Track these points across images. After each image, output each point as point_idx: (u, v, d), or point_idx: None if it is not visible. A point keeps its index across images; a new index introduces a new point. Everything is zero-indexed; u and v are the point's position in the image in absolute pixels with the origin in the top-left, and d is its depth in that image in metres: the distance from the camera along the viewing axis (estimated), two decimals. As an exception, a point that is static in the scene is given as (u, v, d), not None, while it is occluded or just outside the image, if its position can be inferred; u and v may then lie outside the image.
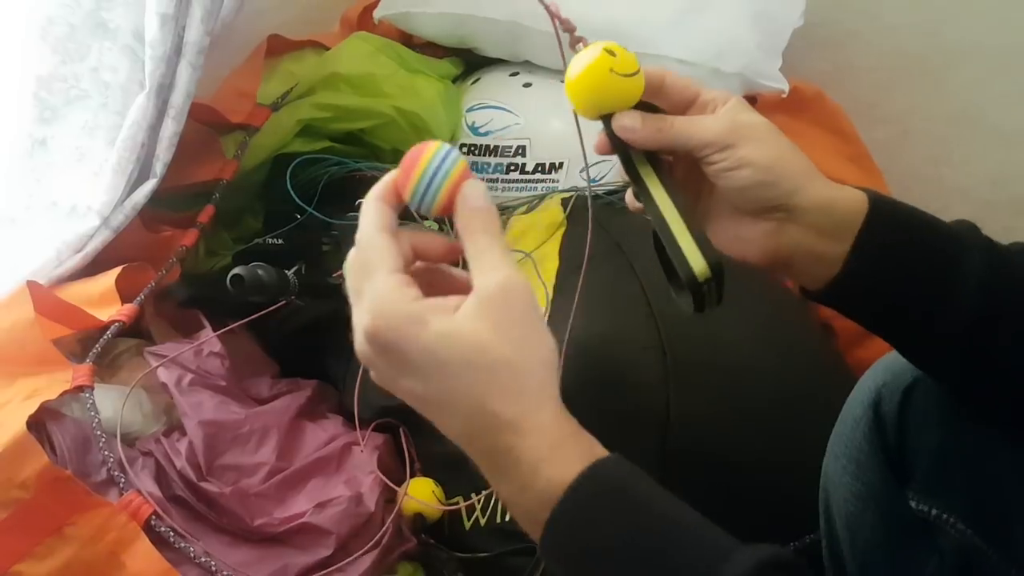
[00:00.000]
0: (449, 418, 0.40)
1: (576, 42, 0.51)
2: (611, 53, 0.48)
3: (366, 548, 0.74)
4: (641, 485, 0.39)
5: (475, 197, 0.42)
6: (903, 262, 0.48)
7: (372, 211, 0.42)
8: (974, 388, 0.51)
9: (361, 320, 0.40)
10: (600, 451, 0.40)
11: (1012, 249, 0.50)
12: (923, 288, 0.48)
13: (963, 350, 0.48)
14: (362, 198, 1.07)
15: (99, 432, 0.70)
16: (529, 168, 1.08)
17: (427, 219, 0.99)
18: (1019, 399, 0.49)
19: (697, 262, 0.47)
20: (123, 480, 0.69)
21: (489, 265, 0.40)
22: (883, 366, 0.60)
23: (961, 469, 0.55)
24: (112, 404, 0.74)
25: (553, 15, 0.51)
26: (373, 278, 0.40)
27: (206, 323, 0.86)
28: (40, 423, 0.69)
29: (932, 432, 0.56)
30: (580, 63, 0.49)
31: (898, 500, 0.58)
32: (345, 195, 1.02)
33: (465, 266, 0.42)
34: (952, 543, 0.56)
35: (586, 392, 0.73)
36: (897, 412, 0.57)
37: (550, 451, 0.39)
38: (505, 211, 1.06)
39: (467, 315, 0.39)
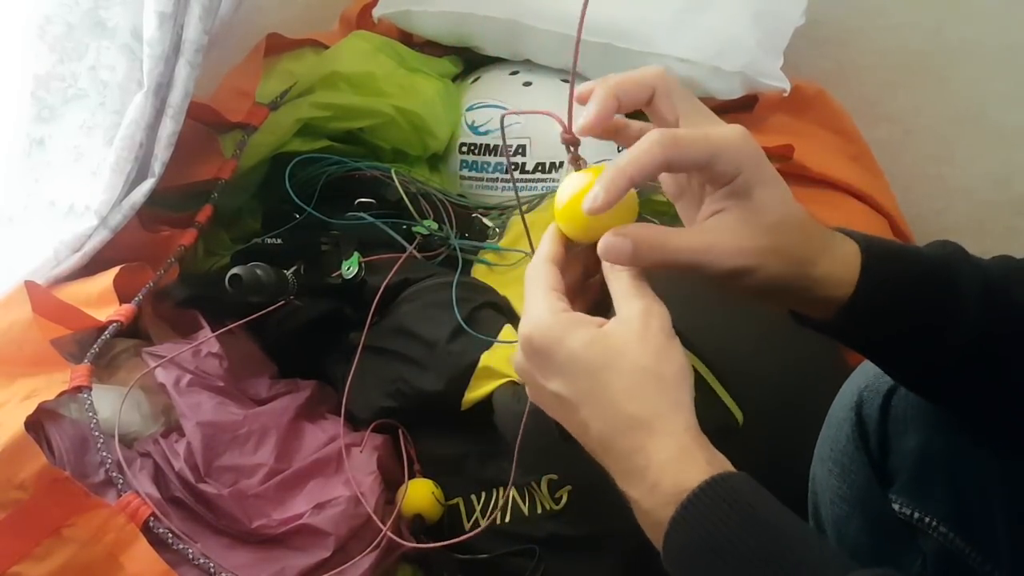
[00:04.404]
0: (588, 419, 0.43)
1: (577, 159, 0.48)
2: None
3: (367, 550, 0.73)
4: (766, 499, 0.41)
5: None
6: (899, 310, 0.46)
7: (544, 246, 0.48)
8: (974, 407, 0.51)
9: (520, 332, 0.45)
10: (728, 464, 0.42)
11: (996, 270, 0.48)
12: (922, 318, 0.47)
13: (964, 372, 0.48)
14: (361, 198, 1.08)
15: (97, 433, 0.70)
16: (529, 168, 1.08)
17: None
18: (1015, 415, 0.49)
19: (736, 409, 0.47)
20: (121, 481, 0.69)
21: (632, 295, 0.44)
22: (865, 369, 0.60)
23: (941, 471, 0.55)
24: (110, 405, 0.74)
25: (564, 126, 0.47)
26: (532, 296, 0.46)
27: (204, 323, 0.85)
28: (38, 424, 0.69)
29: (912, 435, 0.56)
30: (575, 187, 0.45)
31: (882, 503, 0.58)
32: (344, 194, 1.02)
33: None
34: (935, 545, 0.56)
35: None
36: (878, 415, 0.57)
37: (680, 453, 0.41)
38: (505, 211, 1.06)
39: (609, 328, 0.43)
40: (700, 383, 0.47)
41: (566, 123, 0.47)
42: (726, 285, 0.45)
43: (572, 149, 0.47)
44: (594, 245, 0.45)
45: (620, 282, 0.45)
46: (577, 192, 0.45)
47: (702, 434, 0.42)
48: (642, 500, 0.41)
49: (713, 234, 0.44)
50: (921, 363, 0.49)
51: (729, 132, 0.44)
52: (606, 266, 0.46)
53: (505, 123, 1.09)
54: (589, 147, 0.48)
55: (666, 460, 0.40)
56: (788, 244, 0.44)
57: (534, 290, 0.46)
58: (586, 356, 0.43)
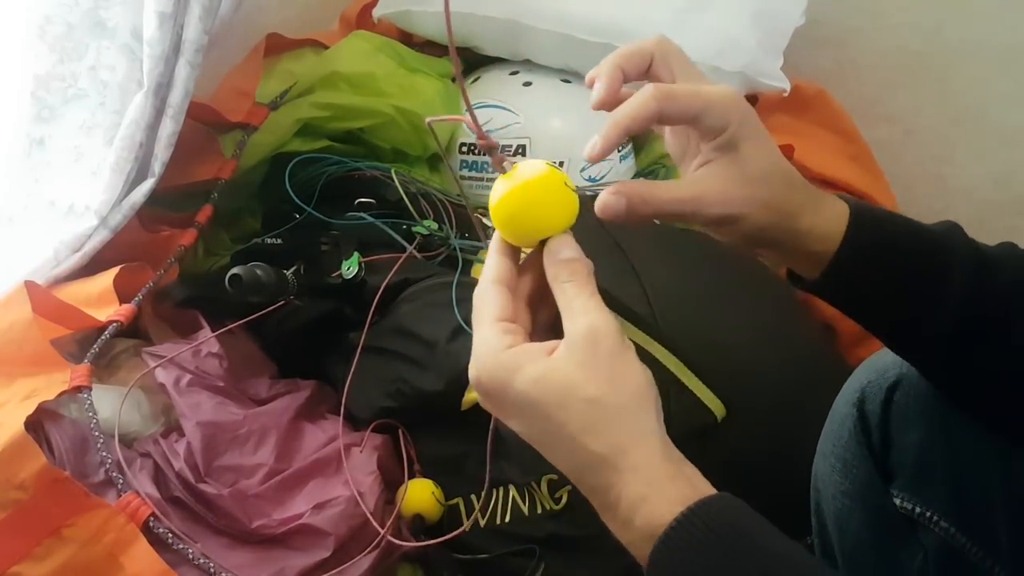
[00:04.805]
0: (554, 457, 0.42)
1: (501, 161, 0.46)
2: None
3: (367, 550, 0.73)
4: (744, 519, 0.40)
5: (562, 250, 0.44)
6: (887, 270, 0.47)
7: (489, 264, 0.46)
8: (962, 387, 0.52)
9: (469, 374, 0.44)
10: (703, 488, 0.40)
11: (994, 250, 0.49)
12: (909, 294, 0.47)
13: (949, 351, 0.48)
14: (361, 197, 1.08)
15: (97, 433, 0.70)
16: (530, 167, 1.08)
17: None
18: (1004, 399, 0.50)
19: (715, 404, 0.46)
20: (121, 481, 0.69)
21: (577, 311, 0.42)
22: (868, 365, 0.60)
23: (942, 467, 0.56)
24: (110, 405, 0.74)
25: (479, 133, 0.47)
26: (478, 329, 0.44)
27: (204, 323, 0.85)
28: (38, 424, 0.69)
29: (914, 430, 0.56)
30: (528, 173, 0.44)
31: (884, 498, 0.59)
32: (344, 194, 1.02)
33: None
34: (936, 540, 0.57)
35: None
36: (880, 411, 0.58)
37: (648, 489, 0.40)
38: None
39: (557, 358, 0.42)
40: (675, 383, 0.47)
41: (480, 133, 0.47)
42: (717, 234, 0.47)
43: (492, 153, 0.47)
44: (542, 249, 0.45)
45: (565, 296, 0.43)
46: (506, 193, 0.45)
47: (672, 457, 0.41)
48: (619, 535, 0.41)
49: (700, 184, 0.46)
50: (910, 332, 0.49)
51: (720, 89, 0.46)
52: (551, 278, 0.44)
53: (504, 123, 1.10)
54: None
55: (635, 498, 0.39)
56: (773, 195, 0.46)
57: (478, 325, 0.44)
58: (536, 396, 0.41)
